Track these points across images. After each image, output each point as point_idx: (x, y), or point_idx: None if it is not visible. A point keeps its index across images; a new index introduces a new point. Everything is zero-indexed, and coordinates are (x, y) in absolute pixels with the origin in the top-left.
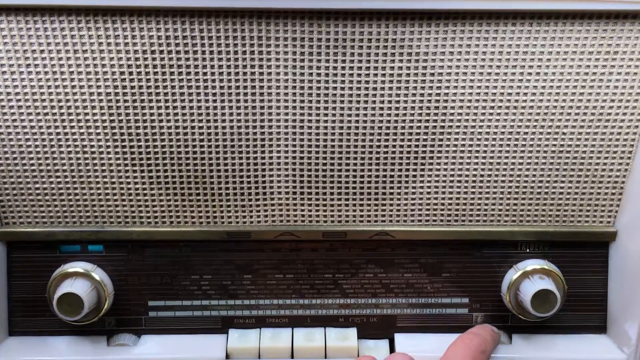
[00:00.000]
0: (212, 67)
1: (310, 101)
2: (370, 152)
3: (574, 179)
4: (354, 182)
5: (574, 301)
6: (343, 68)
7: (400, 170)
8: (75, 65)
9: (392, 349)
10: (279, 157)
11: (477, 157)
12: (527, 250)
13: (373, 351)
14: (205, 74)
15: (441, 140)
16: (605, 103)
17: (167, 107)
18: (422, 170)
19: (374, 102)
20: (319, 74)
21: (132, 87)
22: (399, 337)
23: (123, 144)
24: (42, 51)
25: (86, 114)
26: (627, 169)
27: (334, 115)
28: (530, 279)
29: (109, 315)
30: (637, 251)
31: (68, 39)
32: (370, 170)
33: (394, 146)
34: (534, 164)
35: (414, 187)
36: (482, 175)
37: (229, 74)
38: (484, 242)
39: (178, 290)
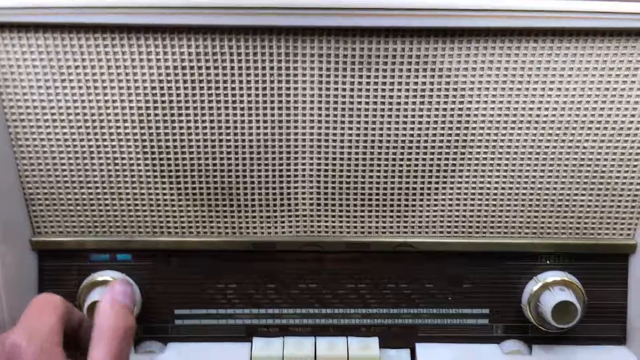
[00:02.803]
0: (241, 82)
1: (336, 115)
2: (394, 165)
3: (594, 192)
4: (377, 194)
5: (594, 312)
6: (368, 83)
7: (422, 182)
8: (109, 81)
9: (413, 358)
10: (304, 170)
11: (498, 170)
12: (548, 262)
13: None
14: (233, 88)
15: (463, 153)
16: (625, 118)
17: (196, 121)
18: (445, 182)
19: (398, 116)
20: (344, 89)
21: (163, 102)
22: (420, 347)
23: (153, 156)
24: (77, 67)
25: (118, 127)
26: None
27: (358, 129)
28: (551, 290)
29: (137, 322)
30: None
31: (102, 55)
32: (393, 182)
33: (416, 159)
34: (554, 177)
35: (436, 199)
36: (503, 188)
37: (256, 88)
38: (505, 253)
39: (204, 299)
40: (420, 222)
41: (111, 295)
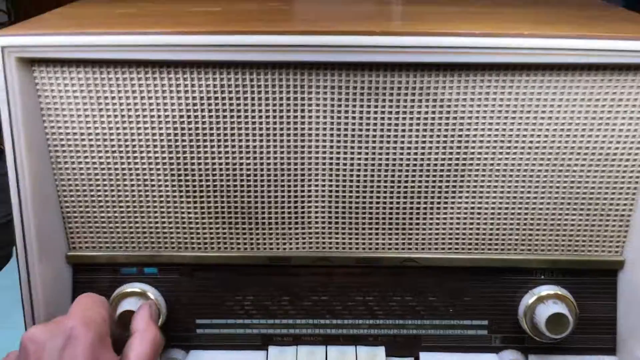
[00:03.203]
0: (260, 111)
1: (346, 141)
2: (399, 186)
3: (584, 212)
4: (384, 213)
5: (586, 324)
6: (375, 112)
7: (425, 202)
8: (141, 110)
9: None
10: (316, 191)
11: (495, 192)
12: (542, 277)
13: None
14: (253, 117)
15: (462, 176)
16: (612, 144)
17: (219, 147)
18: (446, 202)
19: (402, 142)
20: (353, 118)
21: (190, 129)
22: (423, 356)
23: (179, 178)
24: (112, 98)
25: (149, 152)
26: (633, 204)
27: (366, 153)
28: (545, 303)
29: (162, 331)
30: None
31: (135, 87)
32: (398, 202)
33: (420, 181)
34: (547, 198)
35: (438, 218)
36: (500, 208)
37: (274, 117)
38: (502, 269)
39: (223, 310)
40: (423, 239)
41: (149, 311)
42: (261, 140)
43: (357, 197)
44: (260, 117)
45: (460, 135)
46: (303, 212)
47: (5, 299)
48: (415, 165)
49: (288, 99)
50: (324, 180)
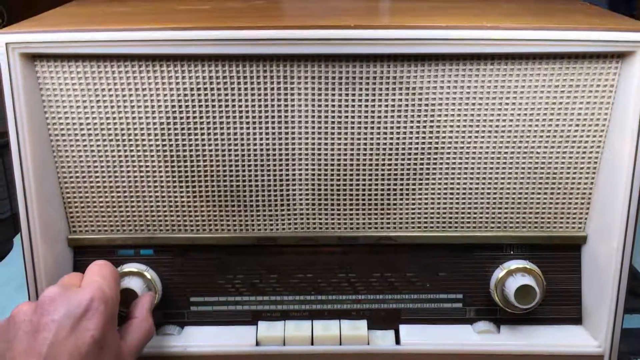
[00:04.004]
0: (247, 100)
1: (327, 128)
2: (377, 169)
3: (548, 191)
4: (363, 194)
5: (553, 296)
6: (353, 101)
7: (401, 184)
8: (135, 101)
9: (397, 338)
10: (300, 174)
11: (465, 173)
12: (511, 252)
13: (381, 339)
14: (240, 106)
15: (435, 159)
16: (571, 127)
17: (209, 134)
18: (420, 184)
19: (379, 127)
20: (333, 106)
21: (181, 118)
22: (403, 328)
23: (172, 164)
24: (109, 90)
25: (143, 140)
26: (593, 182)
27: (345, 139)
28: (514, 276)
29: (158, 309)
30: (604, 252)
31: (130, 80)
32: (376, 184)
33: (395, 164)
34: (513, 178)
35: (413, 199)
36: (470, 188)
37: (259, 106)
38: (474, 245)
39: (215, 288)
40: (400, 218)
41: (150, 303)
42: (248, 128)
43: (338, 179)
44: (247, 106)
45: (432, 121)
46: (288, 195)
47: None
48: (391, 149)
49: (272, 89)
50: (307, 165)
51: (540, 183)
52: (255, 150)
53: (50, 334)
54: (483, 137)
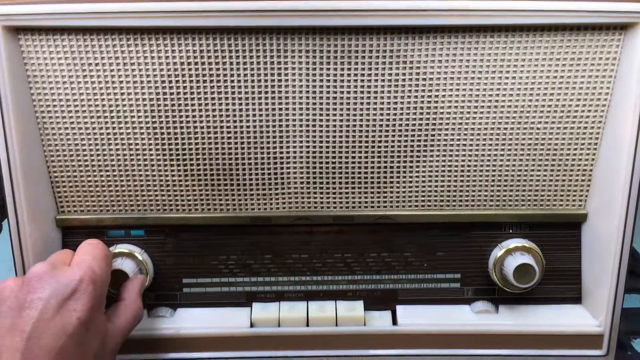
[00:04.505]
0: (239, 75)
1: (322, 103)
2: (373, 146)
3: (548, 168)
4: (359, 172)
5: (552, 275)
6: (349, 75)
7: (398, 161)
8: (124, 76)
9: (394, 319)
10: (294, 152)
11: (464, 150)
12: (510, 230)
13: (377, 320)
14: (232, 81)
15: (433, 135)
16: (572, 102)
17: (200, 110)
18: (418, 161)
19: (375, 103)
20: (328, 80)
21: (171, 94)
22: (400, 309)
23: (162, 142)
24: (96, 64)
25: (132, 116)
26: (594, 159)
27: (341, 115)
28: (513, 255)
29: (150, 291)
30: (605, 231)
31: (118, 54)
32: (373, 161)
33: (392, 141)
34: (513, 155)
35: (410, 176)
36: (469, 166)
37: (252, 81)
38: (473, 224)
39: (208, 269)
40: (397, 196)
41: (141, 286)
42: (240, 104)
43: (334, 157)
44: (239, 81)
45: (429, 96)
46: (282, 173)
47: None
48: (387, 125)
49: (265, 63)
50: (301, 142)
51: (540, 159)
52: (248, 126)
53: (35, 312)
54: (482, 112)
